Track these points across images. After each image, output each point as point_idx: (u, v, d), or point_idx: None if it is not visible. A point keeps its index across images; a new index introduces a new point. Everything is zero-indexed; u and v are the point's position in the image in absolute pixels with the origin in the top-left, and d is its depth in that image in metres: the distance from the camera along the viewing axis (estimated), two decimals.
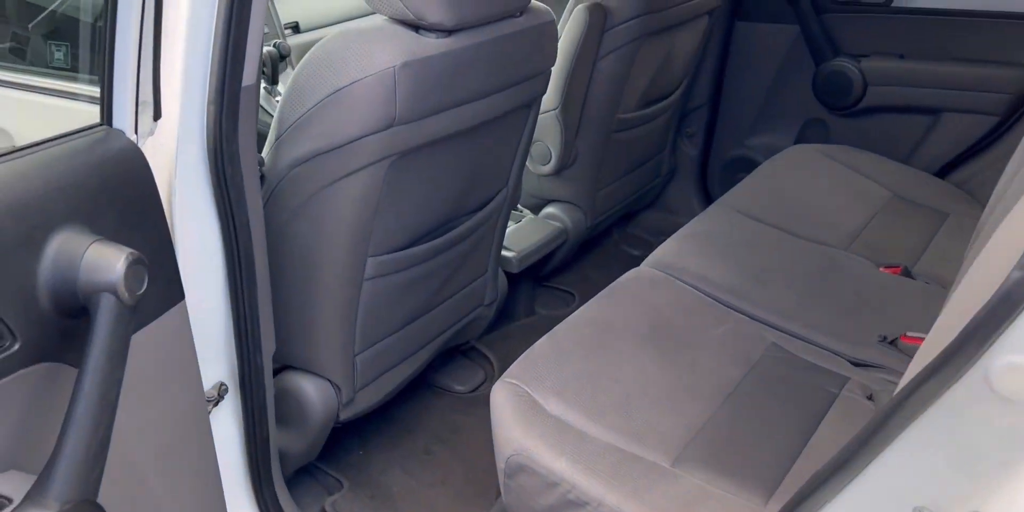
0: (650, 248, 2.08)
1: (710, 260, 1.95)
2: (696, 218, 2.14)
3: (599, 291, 1.80)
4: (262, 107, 2.07)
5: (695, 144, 3.04)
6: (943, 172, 2.67)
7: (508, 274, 2.34)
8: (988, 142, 2.59)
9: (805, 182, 2.40)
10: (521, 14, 1.68)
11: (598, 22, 2.23)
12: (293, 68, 2.10)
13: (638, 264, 1.94)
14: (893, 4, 2.62)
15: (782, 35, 2.79)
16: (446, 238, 1.82)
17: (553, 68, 1.98)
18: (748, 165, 2.92)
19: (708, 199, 3.09)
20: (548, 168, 2.43)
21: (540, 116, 2.24)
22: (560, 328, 1.67)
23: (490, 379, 2.30)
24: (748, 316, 1.79)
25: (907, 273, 2.05)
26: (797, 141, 2.89)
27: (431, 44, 1.47)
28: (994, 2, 2.50)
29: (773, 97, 2.87)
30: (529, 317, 2.59)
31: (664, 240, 2.05)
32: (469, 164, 1.76)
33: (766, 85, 2.87)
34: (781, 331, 1.77)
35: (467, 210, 1.87)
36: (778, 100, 2.87)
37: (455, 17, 1.47)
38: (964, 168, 2.62)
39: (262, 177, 1.51)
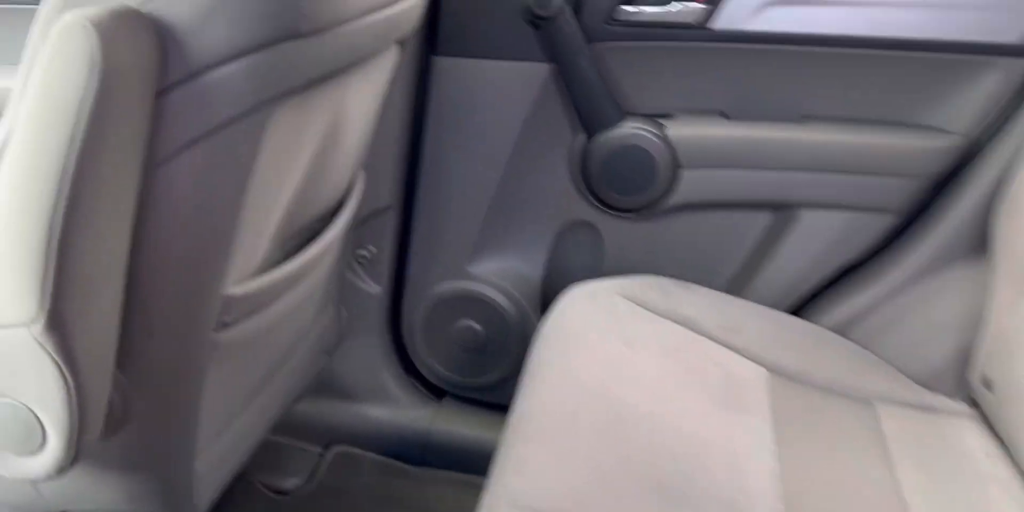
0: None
1: None
2: None
3: None
4: None
5: (378, 275, 1.69)
6: (806, 311, 1.59)
7: None
8: (880, 259, 1.54)
9: (625, 376, 1.22)
10: None
11: (139, 66, 0.80)
12: None
13: None
14: (711, 25, 1.47)
15: (521, 81, 1.53)
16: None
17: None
18: (472, 307, 1.67)
19: (409, 369, 1.77)
20: (45, 463, 0.88)
21: None
22: None
23: None
24: None
25: None
26: (550, 262, 1.66)
27: None
28: (885, 24, 1.43)
29: (509, 190, 1.61)
30: None
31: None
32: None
33: (496, 170, 1.59)
34: None
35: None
36: (518, 195, 1.61)
37: None
38: (843, 304, 1.54)
39: None
